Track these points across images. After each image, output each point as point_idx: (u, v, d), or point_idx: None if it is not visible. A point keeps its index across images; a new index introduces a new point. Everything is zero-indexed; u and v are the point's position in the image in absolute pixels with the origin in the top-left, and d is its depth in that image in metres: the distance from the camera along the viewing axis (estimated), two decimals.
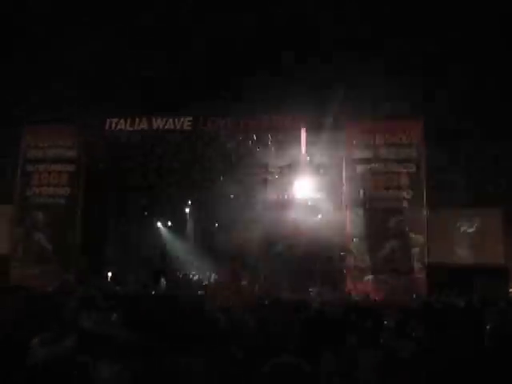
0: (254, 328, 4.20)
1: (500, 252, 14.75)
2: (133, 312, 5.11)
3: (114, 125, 16.29)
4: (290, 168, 16.74)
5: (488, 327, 4.59)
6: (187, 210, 22.34)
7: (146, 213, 22.22)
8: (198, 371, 3.19)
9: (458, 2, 14.49)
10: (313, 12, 15.81)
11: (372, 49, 15.25)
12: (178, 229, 23.19)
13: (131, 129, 16.22)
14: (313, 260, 17.97)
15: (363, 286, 14.56)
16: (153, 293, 12.54)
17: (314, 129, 15.40)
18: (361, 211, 15.25)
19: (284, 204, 17.85)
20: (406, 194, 15.22)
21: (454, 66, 14.82)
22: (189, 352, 3.37)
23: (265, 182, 17.69)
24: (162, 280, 17.29)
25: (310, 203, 17.23)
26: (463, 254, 14.44)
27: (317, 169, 16.41)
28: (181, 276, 20.68)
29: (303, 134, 15.50)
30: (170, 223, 23.40)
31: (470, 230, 14.79)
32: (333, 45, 15.54)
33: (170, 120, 16.06)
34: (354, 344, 4.14)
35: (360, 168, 15.49)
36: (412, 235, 14.89)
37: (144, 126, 16.17)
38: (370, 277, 14.76)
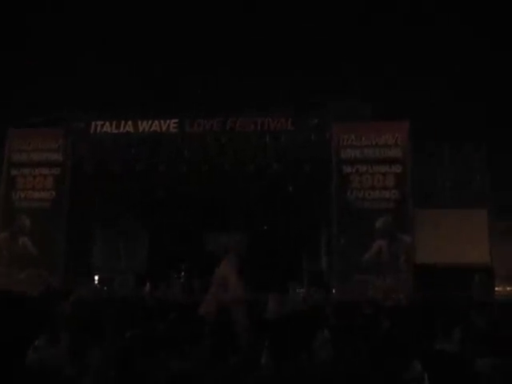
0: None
1: (485, 252, 14.87)
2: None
3: (99, 128, 16.21)
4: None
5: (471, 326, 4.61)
6: (175, 212, 22.25)
7: (132, 216, 22.11)
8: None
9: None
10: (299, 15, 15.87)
11: (359, 50, 15.33)
12: (165, 231, 23.08)
13: (117, 131, 16.15)
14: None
15: (350, 286, 14.58)
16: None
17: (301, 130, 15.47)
18: (347, 211, 15.30)
19: None
20: (392, 195, 15.30)
21: (440, 67, 14.94)
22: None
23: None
24: (148, 284, 17.23)
25: None
26: (449, 254, 14.50)
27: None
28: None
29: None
30: (157, 226, 23.27)
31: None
32: (318, 48, 15.60)
33: (156, 122, 16.02)
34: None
35: (346, 168, 15.54)
36: (399, 235, 14.96)
37: (130, 128, 16.11)
38: (356, 277, 14.79)
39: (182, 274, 22.40)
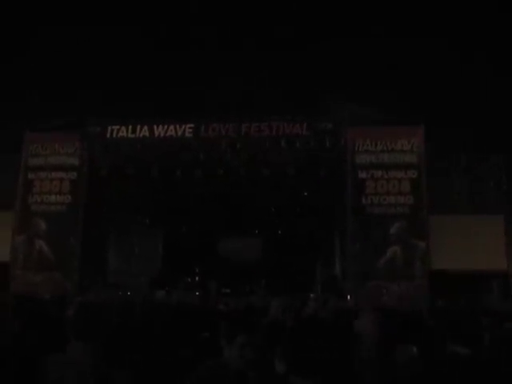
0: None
1: (503, 258, 14.73)
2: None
3: (115, 132, 16.31)
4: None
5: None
6: (190, 217, 22.31)
7: (147, 220, 22.22)
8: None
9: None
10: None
11: (373, 54, 15.29)
12: (180, 235, 23.17)
13: (133, 136, 16.23)
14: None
15: (365, 292, 14.50)
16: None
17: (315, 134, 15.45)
18: (362, 217, 15.23)
19: None
20: (407, 200, 15.20)
21: (456, 71, 14.83)
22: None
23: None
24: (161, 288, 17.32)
25: None
26: (466, 261, 14.38)
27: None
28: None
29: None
30: (172, 230, 23.37)
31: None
32: (333, 52, 15.58)
33: (172, 127, 16.07)
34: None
35: (361, 174, 15.48)
36: (414, 241, 14.86)
37: (145, 133, 16.18)
38: (371, 283, 14.71)
39: (196, 278, 22.46)
